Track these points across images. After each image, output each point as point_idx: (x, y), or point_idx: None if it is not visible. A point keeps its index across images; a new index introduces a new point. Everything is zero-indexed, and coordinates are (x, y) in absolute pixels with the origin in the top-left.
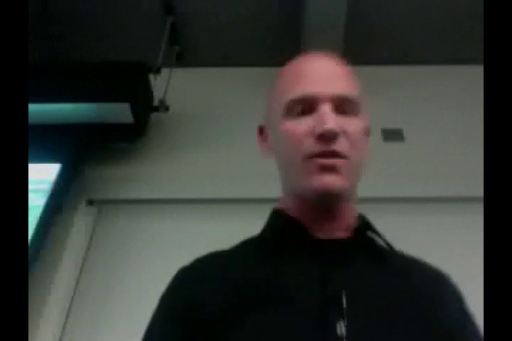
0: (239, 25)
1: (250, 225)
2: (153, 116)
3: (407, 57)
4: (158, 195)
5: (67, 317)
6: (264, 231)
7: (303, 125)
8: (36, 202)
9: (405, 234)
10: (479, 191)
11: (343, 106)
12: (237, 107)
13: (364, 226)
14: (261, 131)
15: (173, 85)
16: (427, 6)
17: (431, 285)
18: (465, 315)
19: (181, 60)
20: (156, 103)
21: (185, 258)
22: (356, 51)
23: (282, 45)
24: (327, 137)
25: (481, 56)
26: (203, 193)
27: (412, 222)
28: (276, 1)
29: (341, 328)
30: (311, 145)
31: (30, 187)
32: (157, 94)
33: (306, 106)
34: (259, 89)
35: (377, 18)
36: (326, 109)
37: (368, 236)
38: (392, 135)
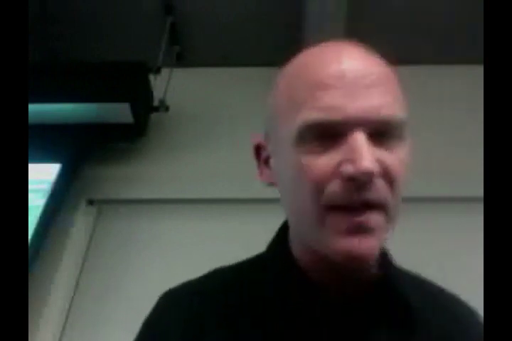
0: (239, 25)
1: (250, 225)
2: (153, 116)
3: (407, 57)
4: (158, 195)
5: (67, 317)
6: (267, 274)
7: (324, 161)
8: (36, 202)
9: (405, 234)
10: (479, 191)
11: (382, 132)
12: (237, 107)
13: (388, 278)
14: (258, 149)
15: (173, 85)
16: (427, 6)
17: (458, 331)
18: None
19: (181, 60)
20: (156, 103)
21: (185, 258)
22: None
23: (282, 45)
24: (360, 181)
25: (481, 56)
26: (203, 193)
27: (412, 221)
28: (276, 1)
29: None
30: (336, 192)
31: (30, 187)
32: (157, 94)
33: (329, 131)
34: (259, 89)
35: (377, 18)
36: (358, 139)
37: (393, 295)
38: None
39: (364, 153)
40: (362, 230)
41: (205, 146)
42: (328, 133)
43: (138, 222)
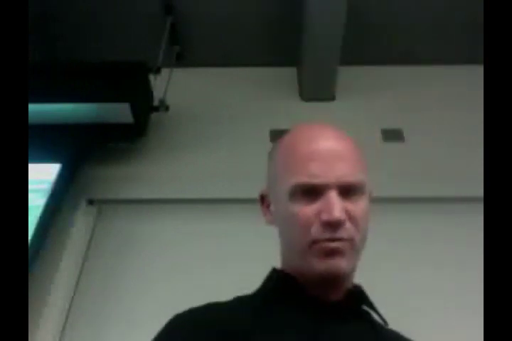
0: (239, 25)
1: (250, 225)
2: (153, 116)
3: (407, 57)
4: (158, 195)
5: (67, 317)
6: (260, 288)
7: (309, 211)
8: (36, 202)
9: (405, 234)
10: (479, 191)
11: (348, 190)
12: (237, 107)
13: (358, 293)
14: (262, 198)
15: (173, 85)
16: (427, 6)
17: None
18: None
19: (181, 60)
20: (156, 103)
21: (185, 257)
22: (356, 51)
23: (282, 45)
24: (334, 225)
25: (481, 56)
26: (203, 193)
27: (412, 221)
28: (276, 1)
29: None
30: (317, 231)
31: (30, 187)
32: (157, 94)
33: (312, 190)
34: (259, 89)
35: (377, 18)
36: (332, 196)
37: (363, 309)
38: (392, 135)
39: (335, 206)
40: (335, 254)
41: (205, 146)
42: (311, 191)
43: (138, 221)
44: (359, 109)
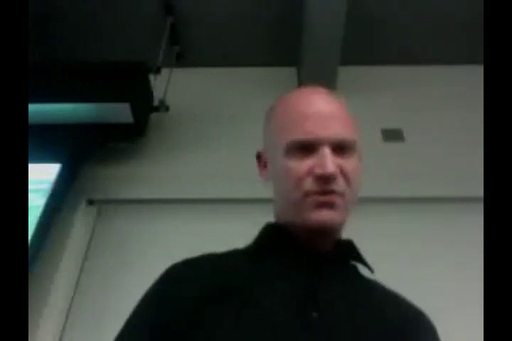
0: (239, 25)
1: (250, 225)
2: (153, 116)
3: (407, 57)
4: (158, 195)
5: (67, 317)
6: (254, 240)
7: (303, 165)
8: (36, 202)
9: (405, 234)
10: (479, 191)
11: (340, 147)
12: (237, 107)
13: (347, 244)
14: (259, 156)
15: (173, 85)
16: (427, 6)
17: (405, 319)
18: None
19: (181, 60)
20: (156, 103)
21: (185, 257)
22: (356, 51)
23: (282, 45)
24: (326, 178)
25: (481, 56)
26: (203, 193)
27: (412, 221)
28: (276, 1)
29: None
30: (310, 184)
31: (30, 187)
32: (157, 94)
33: (306, 146)
34: (259, 89)
35: (377, 17)
36: (325, 152)
37: (352, 249)
38: (392, 135)
39: (328, 161)
40: (327, 206)
41: (205, 146)
42: (306, 148)
43: (138, 221)
44: (359, 109)
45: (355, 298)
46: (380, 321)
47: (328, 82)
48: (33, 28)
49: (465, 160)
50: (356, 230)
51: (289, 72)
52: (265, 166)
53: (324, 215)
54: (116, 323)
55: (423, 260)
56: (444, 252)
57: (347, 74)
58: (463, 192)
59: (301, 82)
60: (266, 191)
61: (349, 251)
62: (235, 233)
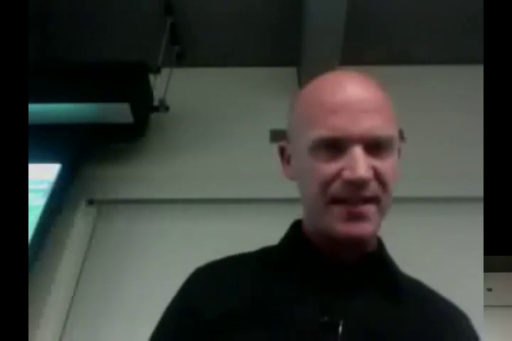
0: (239, 25)
1: (250, 225)
2: (153, 116)
3: (407, 57)
4: (158, 195)
5: (67, 317)
6: (280, 245)
7: (331, 167)
8: (36, 202)
9: (405, 234)
10: (479, 191)
11: (375, 145)
12: (237, 107)
13: (379, 252)
14: (282, 150)
15: (173, 85)
16: (427, 5)
17: (443, 324)
18: None
19: (181, 60)
20: (156, 103)
21: (185, 257)
22: (356, 51)
23: (282, 45)
24: (357, 184)
25: (481, 56)
26: (203, 193)
27: (412, 222)
28: (276, 1)
29: None
30: (338, 189)
31: (30, 187)
32: (157, 94)
33: (334, 145)
34: (259, 89)
35: (377, 17)
36: (357, 152)
37: (382, 264)
38: None
39: (360, 163)
40: (358, 218)
41: (205, 146)
42: (334, 146)
43: (138, 221)
44: None
45: (384, 326)
46: None
47: None
48: (33, 28)
49: (465, 160)
50: None
51: (289, 72)
52: (288, 162)
53: (354, 229)
54: (116, 323)
55: (422, 260)
56: (443, 252)
57: None
58: (463, 192)
59: (301, 82)
60: (266, 191)
61: (378, 265)
62: (235, 233)
